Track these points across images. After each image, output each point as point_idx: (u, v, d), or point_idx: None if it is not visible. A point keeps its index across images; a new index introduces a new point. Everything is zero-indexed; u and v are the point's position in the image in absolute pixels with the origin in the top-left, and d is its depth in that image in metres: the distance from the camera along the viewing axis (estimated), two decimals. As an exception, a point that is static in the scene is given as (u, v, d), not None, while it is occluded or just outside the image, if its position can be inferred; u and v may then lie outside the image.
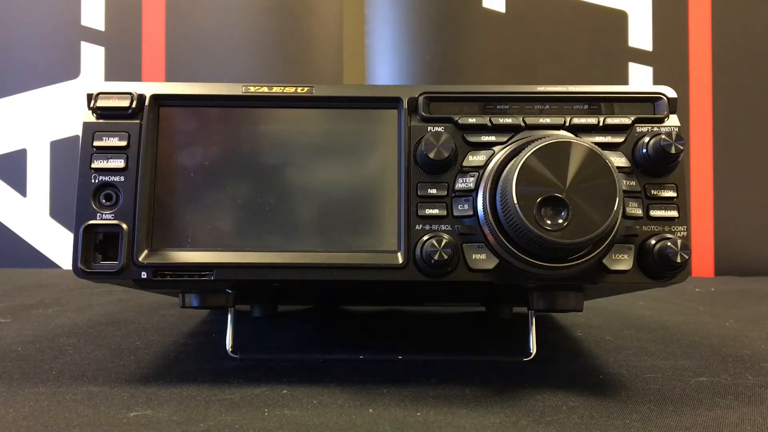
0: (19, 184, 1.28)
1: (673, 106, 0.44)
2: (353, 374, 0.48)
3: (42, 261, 1.29)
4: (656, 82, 1.21)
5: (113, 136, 0.43)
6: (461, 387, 0.45)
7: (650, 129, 0.43)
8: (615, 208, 0.38)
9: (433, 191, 0.43)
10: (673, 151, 0.41)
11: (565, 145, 0.38)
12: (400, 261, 0.42)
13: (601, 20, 1.21)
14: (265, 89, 0.44)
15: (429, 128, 0.43)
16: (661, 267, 0.41)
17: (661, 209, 0.42)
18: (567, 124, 0.43)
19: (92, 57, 1.27)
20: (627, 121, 0.43)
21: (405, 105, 0.44)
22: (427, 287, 0.45)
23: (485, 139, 0.43)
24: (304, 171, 0.44)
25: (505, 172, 0.40)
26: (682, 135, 0.42)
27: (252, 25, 1.24)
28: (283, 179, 0.44)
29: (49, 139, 1.27)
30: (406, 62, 1.22)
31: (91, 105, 0.44)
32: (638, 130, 0.43)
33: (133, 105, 0.43)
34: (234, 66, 1.23)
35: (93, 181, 0.43)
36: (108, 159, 0.43)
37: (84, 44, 1.27)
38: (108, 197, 0.43)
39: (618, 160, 0.42)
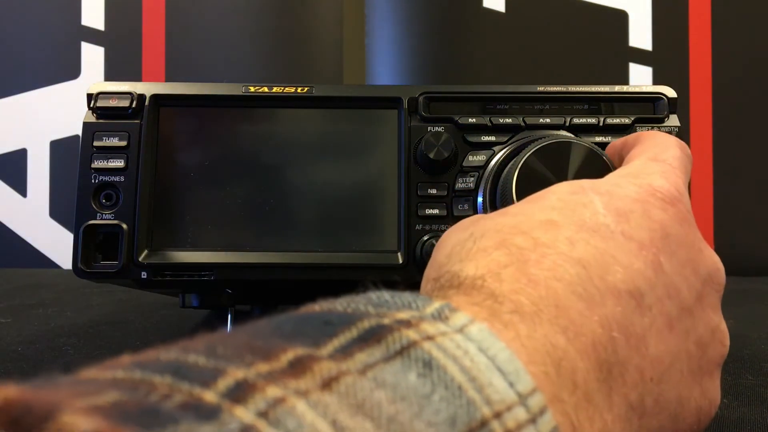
0: (19, 184, 1.28)
1: (673, 106, 0.44)
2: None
3: (42, 261, 1.28)
4: (656, 82, 1.21)
5: (113, 136, 0.43)
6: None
7: (650, 129, 0.43)
8: (615, 208, 0.38)
9: (433, 191, 0.43)
10: (673, 151, 0.41)
11: (565, 145, 0.38)
12: (400, 261, 0.42)
13: (601, 20, 1.21)
14: (265, 89, 0.44)
15: (429, 128, 0.43)
16: (661, 267, 0.40)
17: (661, 209, 0.42)
18: (567, 124, 0.43)
19: (92, 57, 1.27)
20: (627, 121, 0.43)
21: (405, 105, 0.44)
22: (427, 287, 0.45)
23: (485, 139, 0.43)
24: (304, 171, 0.44)
25: (505, 172, 0.40)
26: (682, 135, 0.42)
27: (252, 25, 1.24)
28: (283, 179, 0.44)
29: (49, 139, 1.27)
30: (407, 62, 1.22)
31: (91, 105, 0.44)
32: (638, 130, 0.43)
33: (133, 105, 0.43)
34: (234, 66, 1.23)
35: (93, 181, 0.43)
36: (108, 159, 0.43)
37: (84, 44, 1.27)
38: (108, 197, 0.43)
39: (618, 160, 0.42)
